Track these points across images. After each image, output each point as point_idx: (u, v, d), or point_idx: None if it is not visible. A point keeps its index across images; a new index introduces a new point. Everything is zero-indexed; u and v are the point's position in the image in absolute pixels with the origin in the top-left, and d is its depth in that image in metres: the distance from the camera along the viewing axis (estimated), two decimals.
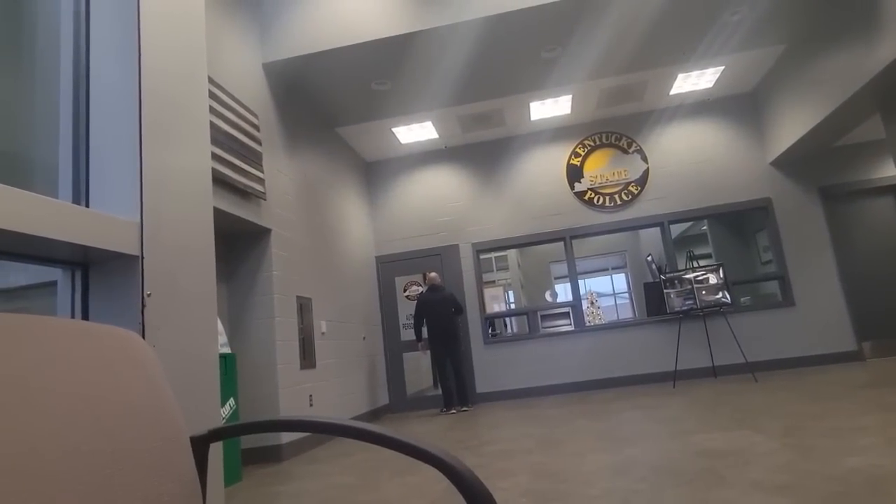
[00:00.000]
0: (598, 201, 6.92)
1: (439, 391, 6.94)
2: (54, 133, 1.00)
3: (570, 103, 6.45)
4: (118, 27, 1.03)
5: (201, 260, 1.13)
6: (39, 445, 0.62)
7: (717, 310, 5.94)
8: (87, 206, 0.99)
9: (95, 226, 0.90)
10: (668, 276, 6.15)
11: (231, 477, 3.38)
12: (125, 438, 0.72)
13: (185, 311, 1.05)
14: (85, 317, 0.95)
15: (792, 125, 5.96)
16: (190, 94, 1.16)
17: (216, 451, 1.08)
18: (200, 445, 0.82)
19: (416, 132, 6.70)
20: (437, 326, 5.99)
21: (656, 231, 7.16)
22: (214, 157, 3.58)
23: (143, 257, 0.96)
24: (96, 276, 0.96)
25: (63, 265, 0.95)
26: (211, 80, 3.77)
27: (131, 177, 0.97)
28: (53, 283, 1.02)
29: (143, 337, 0.94)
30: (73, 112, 1.00)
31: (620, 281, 11.85)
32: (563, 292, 10.90)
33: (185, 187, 1.11)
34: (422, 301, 6.10)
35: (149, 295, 0.95)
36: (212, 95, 3.71)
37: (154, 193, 1.01)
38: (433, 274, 6.32)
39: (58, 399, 0.69)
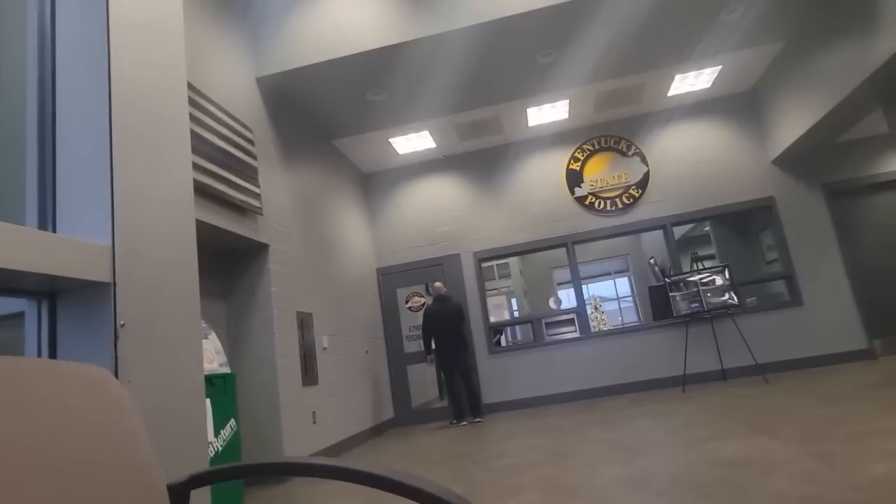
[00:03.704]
0: (599, 205, 6.85)
1: (446, 403, 6.84)
2: (18, 153, 0.93)
3: (567, 108, 6.40)
4: (86, 37, 0.96)
5: (183, 283, 1.05)
6: None
7: (725, 311, 5.84)
8: (55, 231, 0.91)
9: (63, 253, 0.83)
10: (673, 278, 6.05)
11: (233, 502, 3.27)
12: (91, 492, 0.64)
13: (166, 340, 0.97)
14: (53, 350, 0.87)
15: (793, 123, 5.89)
16: (167, 107, 1.08)
17: (201, 497, 1.00)
18: (179, 494, 0.74)
19: (413, 142, 6.65)
20: (445, 337, 5.87)
21: (659, 234, 7.08)
22: (208, 172, 3.52)
23: (115, 284, 0.88)
24: (65, 307, 0.88)
25: (29, 296, 0.88)
26: (203, 95, 3.72)
27: (102, 198, 0.90)
28: (21, 314, 0.95)
29: (117, 371, 0.86)
30: (38, 131, 0.93)
31: (623, 285, 11.75)
32: (567, 298, 10.80)
33: (163, 206, 1.03)
34: (429, 313, 5.98)
35: (122, 325, 0.88)
36: (204, 110, 3.65)
37: (128, 214, 0.93)
38: (438, 284, 6.21)
39: (16, 451, 0.61)
